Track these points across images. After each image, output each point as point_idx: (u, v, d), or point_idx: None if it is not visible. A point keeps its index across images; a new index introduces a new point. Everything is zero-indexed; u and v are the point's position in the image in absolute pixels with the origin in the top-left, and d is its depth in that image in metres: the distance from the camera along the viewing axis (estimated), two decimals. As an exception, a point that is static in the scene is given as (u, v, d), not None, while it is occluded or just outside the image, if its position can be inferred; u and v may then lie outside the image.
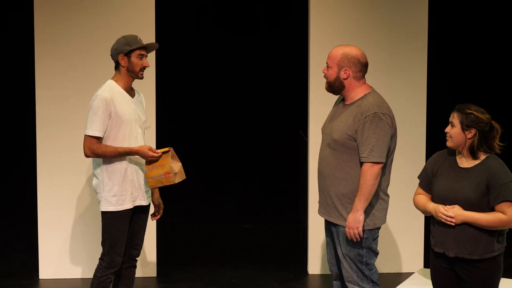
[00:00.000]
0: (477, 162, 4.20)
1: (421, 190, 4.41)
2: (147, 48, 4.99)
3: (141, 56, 4.92)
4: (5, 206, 8.91)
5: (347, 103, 4.65)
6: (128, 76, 4.93)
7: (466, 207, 4.14)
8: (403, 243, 6.61)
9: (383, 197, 4.67)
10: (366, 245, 4.62)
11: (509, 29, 10.32)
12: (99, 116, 4.81)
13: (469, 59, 10.64)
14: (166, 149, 4.94)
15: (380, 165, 4.50)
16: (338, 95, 4.79)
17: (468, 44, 10.55)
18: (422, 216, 6.53)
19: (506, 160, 4.31)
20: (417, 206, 4.39)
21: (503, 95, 10.69)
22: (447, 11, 9.90)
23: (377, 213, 4.63)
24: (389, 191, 6.46)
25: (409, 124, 6.48)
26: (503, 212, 4.09)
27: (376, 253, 4.71)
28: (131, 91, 5.00)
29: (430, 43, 6.54)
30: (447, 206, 4.19)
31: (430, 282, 5.07)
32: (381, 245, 6.57)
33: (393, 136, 4.60)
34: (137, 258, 5.19)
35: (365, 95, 4.60)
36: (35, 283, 6.34)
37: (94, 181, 4.99)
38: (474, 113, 4.18)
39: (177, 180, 4.93)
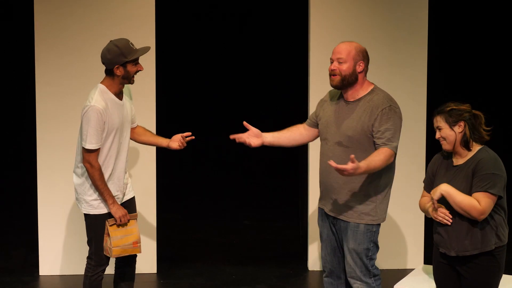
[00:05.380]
0: (469, 157, 4.21)
1: (425, 193, 4.45)
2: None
3: (136, 63, 4.87)
4: (5, 202, 8.91)
5: (351, 99, 4.68)
6: (121, 83, 4.88)
7: None
8: (403, 240, 6.61)
9: (390, 192, 4.76)
10: (373, 239, 4.70)
11: (510, 25, 10.31)
12: (94, 128, 4.74)
13: (470, 55, 10.63)
14: (135, 214, 4.96)
15: (394, 155, 4.59)
16: (327, 93, 4.87)
17: (468, 40, 10.54)
18: (422, 213, 6.53)
19: (501, 151, 4.34)
20: (421, 209, 4.44)
21: (503, 91, 10.69)
22: (447, 7, 9.89)
23: (385, 208, 4.73)
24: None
25: (409, 120, 6.48)
26: (478, 201, 4.10)
27: (378, 248, 4.78)
28: (119, 94, 4.95)
29: (430, 39, 6.54)
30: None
31: (430, 278, 5.07)
32: (382, 242, 6.58)
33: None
34: (136, 255, 5.18)
35: (372, 90, 4.68)
36: (35, 280, 6.34)
37: (76, 180, 4.95)
38: (454, 107, 4.24)
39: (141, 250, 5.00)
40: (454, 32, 10.42)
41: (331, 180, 4.71)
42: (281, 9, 11.04)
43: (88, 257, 5.01)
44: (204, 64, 11.41)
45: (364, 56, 4.69)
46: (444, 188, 4.16)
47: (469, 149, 4.23)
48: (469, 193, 4.15)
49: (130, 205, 5.09)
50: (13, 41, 10.43)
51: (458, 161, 4.27)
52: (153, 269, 6.50)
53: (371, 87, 4.70)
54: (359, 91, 4.67)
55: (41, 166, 6.33)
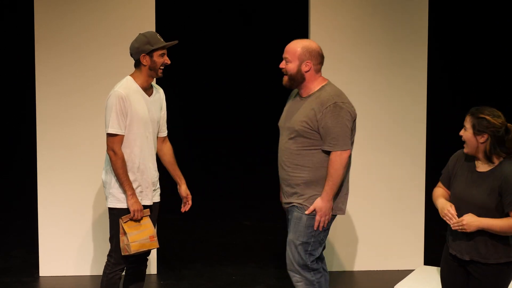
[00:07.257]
0: (492, 166, 4.13)
1: (440, 184, 4.37)
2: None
3: (163, 55, 4.91)
4: (5, 202, 8.91)
5: (304, 95, 4.74)
6: (148, 74, 4.91)
7: (479, 212, 4.06)
8: (403, 240, 6.60)
9: (342, 185, 4.73)
10: (315, 234, 4.68)
11: (510, 24, 10.31)
12: (115, 112, 4.79)
13: (470, 55, 10.63)
14: (146, 210, 4.94)
15: (349, 152, 4.61)
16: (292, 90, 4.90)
17: (468, 40, 10.54)
18: (422, 213, 6.53)
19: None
20: (432, 197, 4.37)
21: (503, 91, 10.68)
22: (448, 6, 9.89)
23: (335, 201, 4.70)
24: (388, 188, 6.45)
25: (409, 120, 6.48)
26: None
27: (323, 247, 4.76)
28: (149, 90, 4.97)
29: (430, 39, 6.53)
30: (460, 218, 4.12)
31: (430, 279, 5.06)
32: (381, 242, 6.59)
33: (353, 125, 4.68)
34: (147, 257, 5.18)
35: (322, 86, 4.70)
36: (35, 280, 6.33)
37: (104, 176, 4.97)
38: (487, 117, 4.10)
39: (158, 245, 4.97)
40: (454, 32, 10.42)
41: (282, 173, 4.80)
42: (281, 9, 11.04)
43: (108, 255, 5.01)
44: (204, 64, 11.41)
45: (312, 55, 4.69)
46: (483, 222, 4.05)
47: (491, 162, 4.14)
48: (492, 204, 4.06)
49: (154, 209, 5.09)
50: (13, 40, 10.43)
51: (480, 167, 4.17)
52: (154, 270, 6.49)
53: (324, 83, 4.73)
54: (311, 88, 4.72)
55: (41, 166, 6.33)
